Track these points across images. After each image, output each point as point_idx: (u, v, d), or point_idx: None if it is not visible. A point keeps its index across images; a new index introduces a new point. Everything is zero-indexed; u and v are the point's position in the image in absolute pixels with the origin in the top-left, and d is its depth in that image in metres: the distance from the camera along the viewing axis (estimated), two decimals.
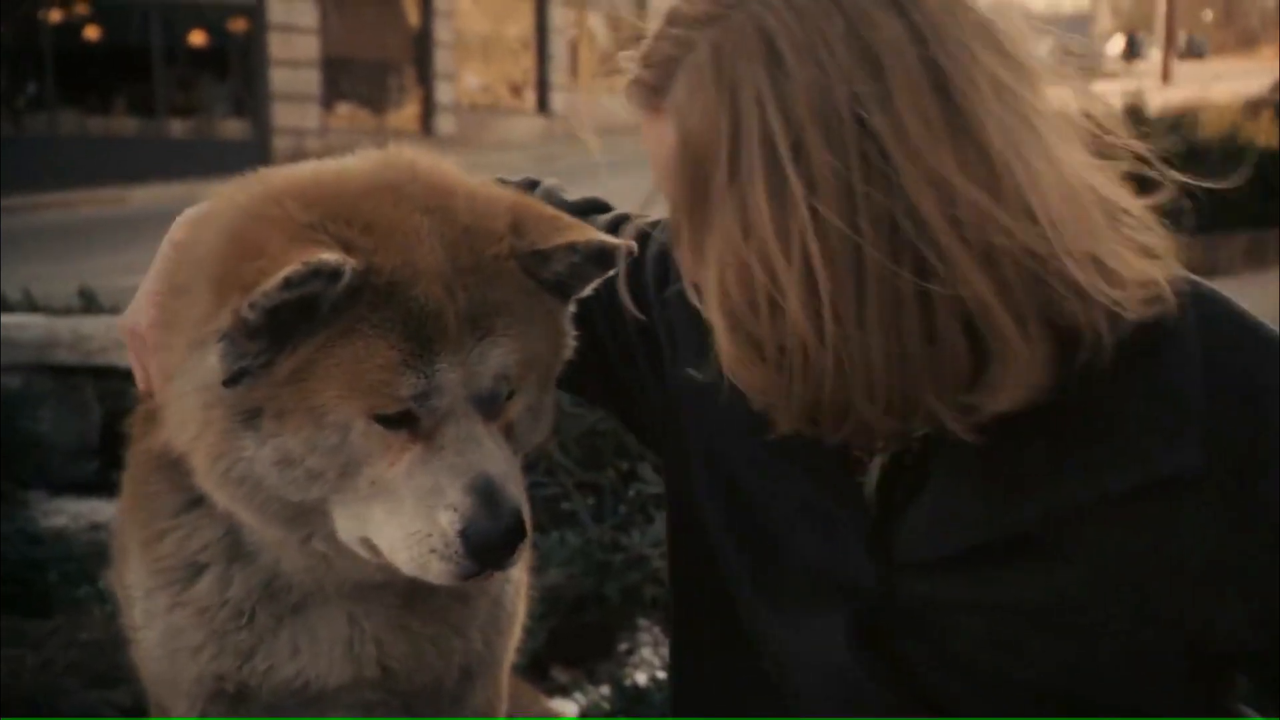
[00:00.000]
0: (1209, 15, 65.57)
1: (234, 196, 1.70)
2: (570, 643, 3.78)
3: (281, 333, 1.55)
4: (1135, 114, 15.24)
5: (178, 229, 1.80)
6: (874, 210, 1.37)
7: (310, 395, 1.57)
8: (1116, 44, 61.09)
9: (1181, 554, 1.50)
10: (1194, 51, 58.68)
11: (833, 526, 1.64)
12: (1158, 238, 1.50)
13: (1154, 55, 46.39)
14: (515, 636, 2.01)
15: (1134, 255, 1.47)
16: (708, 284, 1.46)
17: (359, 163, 1.73)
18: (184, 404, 1.64)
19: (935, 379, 1.42)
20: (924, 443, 1.58)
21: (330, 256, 1.52)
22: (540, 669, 3.72)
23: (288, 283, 1.50)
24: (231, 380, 1.57)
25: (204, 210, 1.78)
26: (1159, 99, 17.01)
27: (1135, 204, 1.51)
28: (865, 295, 1.38)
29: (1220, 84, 19.08)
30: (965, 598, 1.57)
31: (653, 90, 1.50)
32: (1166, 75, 38.30)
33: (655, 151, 1.52)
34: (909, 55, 1.38)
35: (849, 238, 1.37)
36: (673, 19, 1.50)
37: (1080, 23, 65.74)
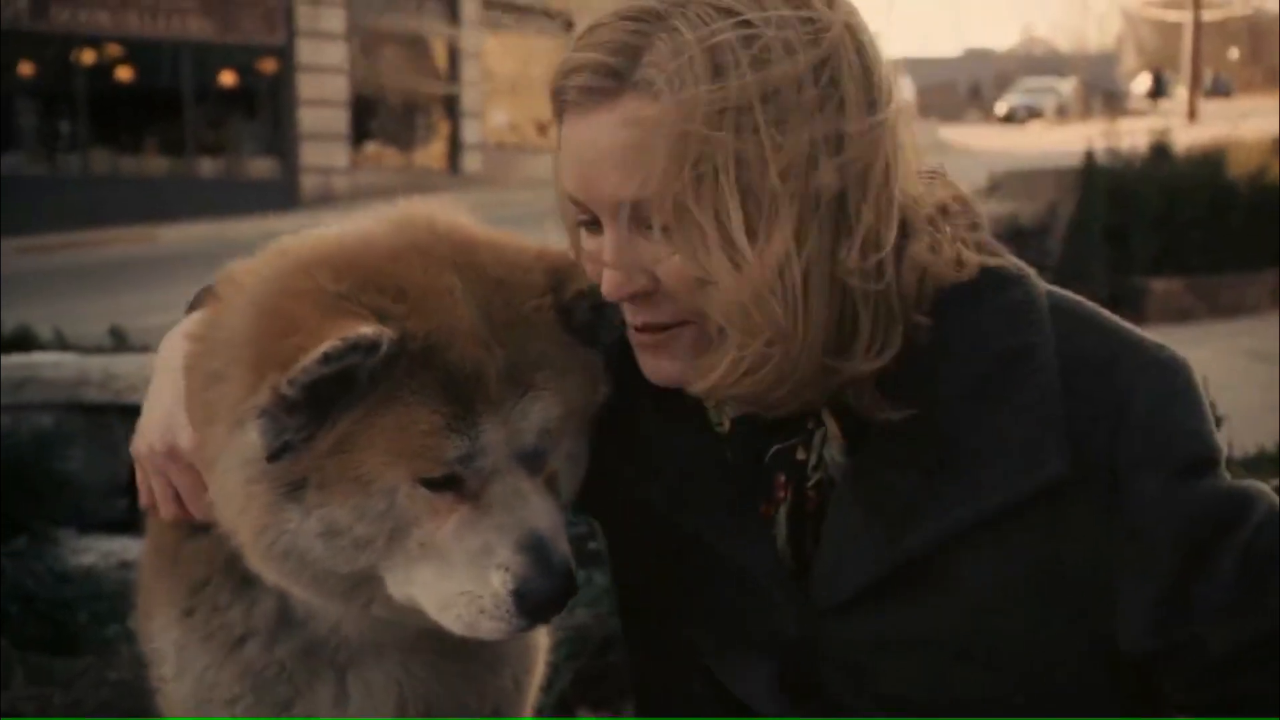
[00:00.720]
0: (1235, 53, 65.49)
1: (258, 271, 1.68)
2: (597, 684, 3.77)
3: (321, 406, 1.54)
4: (1161, 152, 15.11)
5: (173, 351, 1.76)
6: (827, 178, 1.50)
7: (355, 465, 1.56)
8: (1143, 83, 61.04)
9: (1066, 563, 1.55)
10: (1220, 89, 58.55)
11: (754, 581, 1.68)
12: (982, 240, 1.64)
13: (1180, 93, 46.32)
14: (538, 674, 2.00)
15: (957, 245, 1.60)
16: (728, 231, 1.49)
17: (379, 226, 1.71)
18: (226, 481, 1.62)
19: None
20: (817, 491, 1.65)
21: (367, 329, 1.51)
22: (566, 710, 3.71)
23: (326, 358, 1.49)
24: (274, 455, 1.55)
25: (203, 317, 1.75)
26: (1186, 137, 16.95)
27: (960, 209, 1.64)
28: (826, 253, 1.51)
29: (1247, 122, 19.01)
30: (881, 636, 1.61)
31: (613, 73, 1.52)
32: (1193, 113, 38.21)
33: (606, 139, 1.53)
34: (853, 46, 1.53)
35: (811, 199, 1.49)
36: (625, 15, 1.55)
37: (1106, 62, 65.73)
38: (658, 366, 1.64)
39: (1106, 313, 1.64)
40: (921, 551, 1.57)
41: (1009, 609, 1.57)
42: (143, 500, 1.74)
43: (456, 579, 1.58)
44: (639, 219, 1.55)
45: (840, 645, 1.63)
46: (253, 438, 1.57)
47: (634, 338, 1.64)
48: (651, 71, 1.50)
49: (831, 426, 1.64)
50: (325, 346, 1.49)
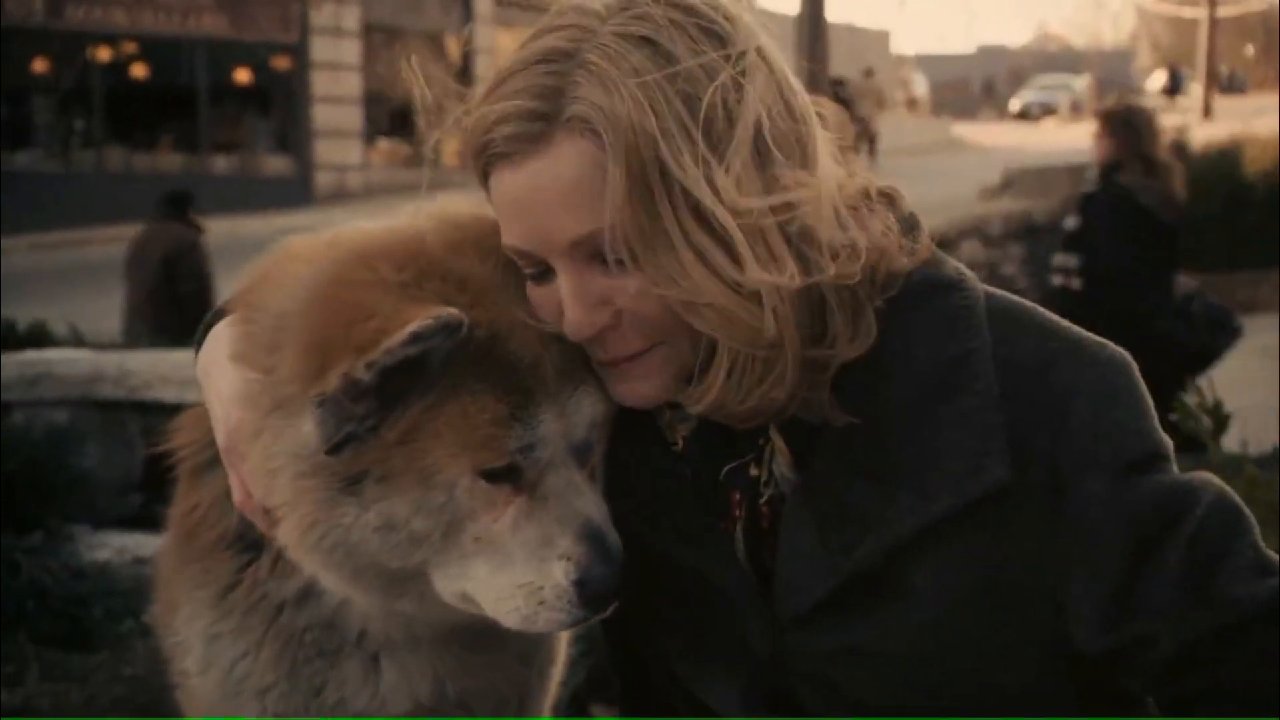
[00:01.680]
0: (1250, 50, 65.24)
1: (311, 259, 1.68)
2: (610, 680, 3.77)
3: (390, 394, 1.54)
4: (1177, 149, 15.07)
5: (216, 353, 1.74)
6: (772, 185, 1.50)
7: (420, 456, 1.55)
8: (1157, 79, 60.87)
9: (1017, 566, 1.55)
10: (1235, 86, 58.38)
11: (721, 595, 1.68)
12: (900, 224, 1.63)
13: (1196, 90, 46.17)
14: (560, 668, 2.00)
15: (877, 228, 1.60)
16: (694, 251, 1.48)
17: (426, 222, 1.70)
18: (270, 469, 1.62)
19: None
20: (770, 506, 1.65)
21: (452, 311, 1.51)
22: (580, 706, 3.71)
23: (415, 337, 1.49)
24: (335, 448, 1.54)
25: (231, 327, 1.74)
26: (1201, 134, 16.91)
27: (876, 196, 1.64)
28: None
29: (1261, 119, 18.96)
30: (844, 647, 1.61)
31: (540, 116, 1.51)
32: (1208, 110, 38.10)
33: (547, 182, 1.52)
34: (760, 53, 1.54)
35: (762, 206, 1.50)
36: (535, 60, 1.54)
37: (1121, 58, 65.55)
38: (632, 390, 1.62)
39: (1047, 313, 1.64)
40: (873, 562, 1.57)
41: (964, 614, 1.57)
42: (237, 498, 1.72)
43: (515, 572, 1.58)
44: (592, 253, 1.54)
45: (806, 656, 1.63)
46: (306, 429, 1.56)
47: (602, 369, 1.63)
48: (580, 107, 1.49)
49: (778, 442, 1.64)
50: (414, 326, 1.49)
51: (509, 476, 1.58)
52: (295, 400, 1.57)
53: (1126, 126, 7.25)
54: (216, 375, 1.72)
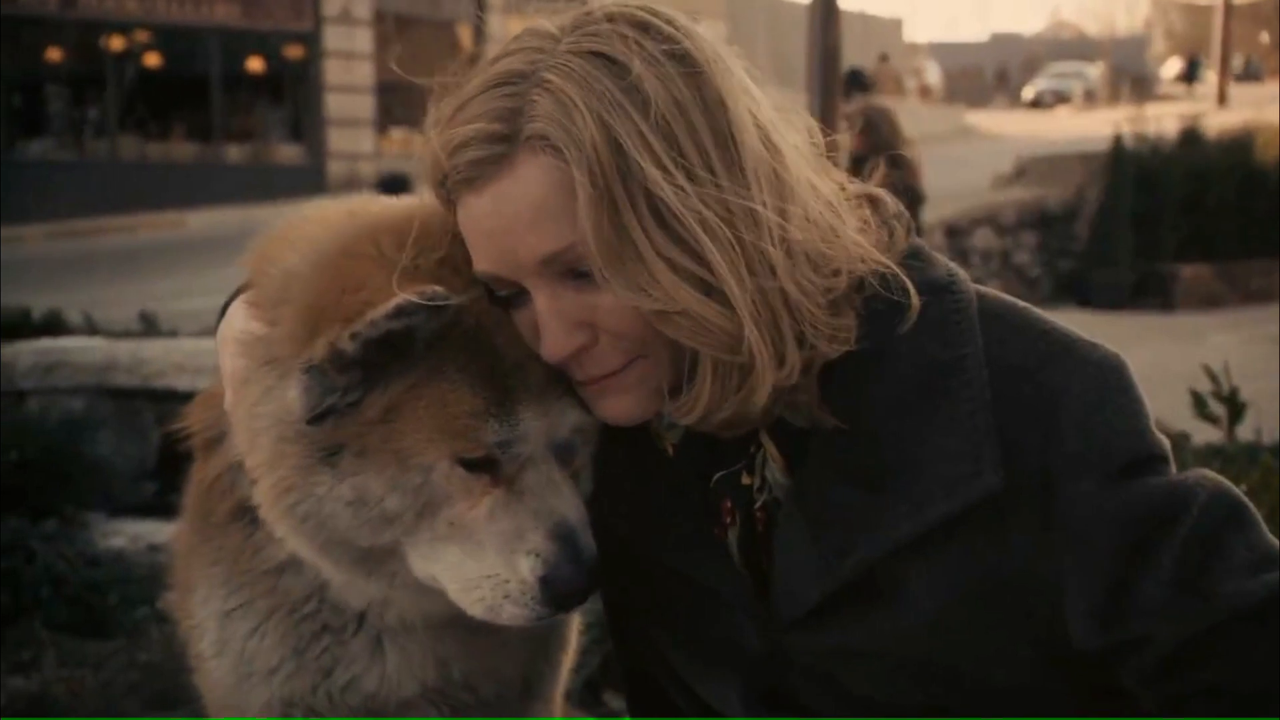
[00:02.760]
0: (1265, 37, 64.92)
1: (328, 224, 1.70)
2: None
3: (373, 369, 1.56)
4: (1190, 137, 14.97)
5: (233, 324, 1.77)
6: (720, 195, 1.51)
7: (397, 436, 1.57)
8: (1172, 67, 60.62)
9: (1011, 568, 1.55)
10: (1251, 74, 58.09)
11: (717, 599, 1.69)
12: (882, 227, 1.65)
13: (1211, 78, 45.95)
14: (571, 654, 2.01)
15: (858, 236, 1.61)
16: (663, 260, 1.49)
17: (436, 205, 1.69)
18: (254, 428, 1.64)
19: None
20: (765, 511, 1.66)
21: (439, 290, 1.53)
22: (593, 693, 3.72)
23: (399, 311, 1.51)
24: (315, 419, 1.57)
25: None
26: (1215, 122, 16.84)
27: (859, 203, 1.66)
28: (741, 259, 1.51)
29: (1276, 106, 18.86)
30: (842, 647, 1.62)
31: (501, 139, 1.52)
32: (1222, 98, 37.93)
33: (512, 203, 1.52)
34: (718, 64, 1.55)
35: (728, 210, 1.50)
36: (492, 84, 1.55)
37: (1135, 46, 65.28)
38: (612, 407, 1.63)
39: (1038, 314, 1.64)
40: (867, 566, 1.58)
41: (961, 615, 1.57)
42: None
43: (484, 561, 1.59)
44: (563, 271, 1.55)
45: (805, 656, 1.65)
46: (291, 395, 1.58)
47: (582, 389, 1.63)
48: (539, 125, 1.50)
49: (770, 448, 1.65)
50: (399, 300, 1.50)
51: (487, 467, 1.59)
52: (286, 361, 1.59)
53: (868, 125, 8.52)
54: (229, 335, 1.74)
